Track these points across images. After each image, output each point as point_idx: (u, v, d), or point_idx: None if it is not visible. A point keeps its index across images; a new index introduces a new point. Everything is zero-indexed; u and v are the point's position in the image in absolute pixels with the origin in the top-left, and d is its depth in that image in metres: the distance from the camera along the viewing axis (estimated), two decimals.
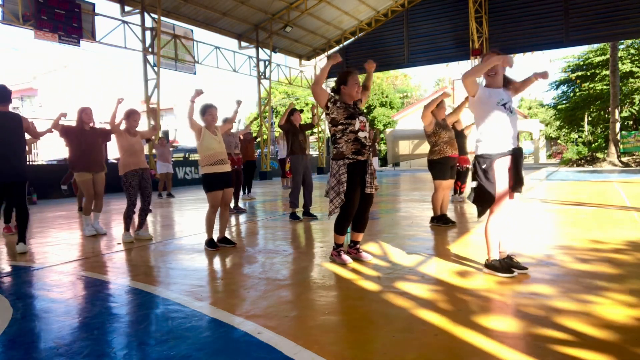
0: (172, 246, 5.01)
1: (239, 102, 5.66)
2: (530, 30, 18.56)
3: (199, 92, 4.58)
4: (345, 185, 3.71)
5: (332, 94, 3.91)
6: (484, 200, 3.33)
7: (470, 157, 9.93)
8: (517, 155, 3.28)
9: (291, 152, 6.78)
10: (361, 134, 3.76)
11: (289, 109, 7.09)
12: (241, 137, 8.77)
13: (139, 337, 2.44)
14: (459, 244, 4.60)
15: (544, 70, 3.45)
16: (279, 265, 3.94)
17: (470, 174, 3.49)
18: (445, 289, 3.07)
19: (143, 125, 6.07)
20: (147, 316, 2.78)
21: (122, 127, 5.37)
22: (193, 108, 4.56)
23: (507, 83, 3.44)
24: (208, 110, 4.72)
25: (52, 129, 5.71)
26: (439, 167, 5.62)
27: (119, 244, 5.22)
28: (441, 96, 5.58)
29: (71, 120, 6.04)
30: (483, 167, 3.28)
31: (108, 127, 5.58)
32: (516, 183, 3.29)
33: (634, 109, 26.63)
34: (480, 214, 3.43)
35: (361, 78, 3.92)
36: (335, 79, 3.98)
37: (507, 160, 3.28)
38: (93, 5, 13.29)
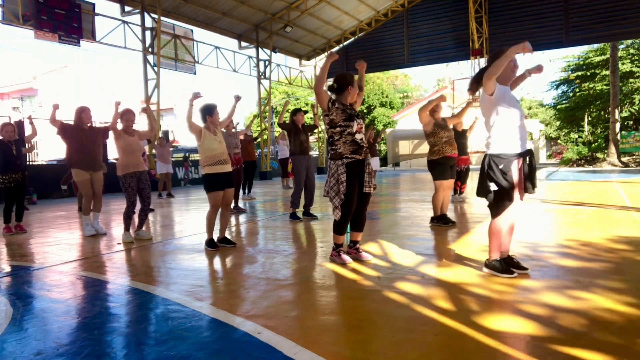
0: (172, 246, 5.01)
1: (237, 98, 5.57)
2: (530, 30, 18.54)
3: (196, 95, 4.58)
4: (345, 185, 3.72)
5: (330, 94, 3.91)
6: (502, 201, 3.24)
7: (472, 157, 9.95)
8: (530, 156, 3.23)
9: (293, 153, 6.78)
10: (358, 136, 3.79)
11: (285, 106, 7.16)
12: (241, 137, 8.77)
13: (139, 337, 2.44)
14: (459, 244, 4.60)
15: (537, 64, 3.38)
16: (279, 265, 3.94)
17: (479, 173, 3.40)
18: (445, 289, 3.07)
19: (142, 125, 6.08)
20: (147, 316, 2.78)
21: (119, 127, 5.38)
22: (191, 111, 4.57)
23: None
24: (216, 110, 4.74)
25: (51, 123, 5.71)
26: (439, 167, 5.61)
27: (119, 244, 5.22)
28: (438, 99, 5.54)
29: (69, 120, 6.04)
30: (500, 167, 3.20)
31: (108, 126, 5.59)
32: (529, 184, 3.26)
33: (634, 109, 26.62)
34: (495, 215, 3.31)
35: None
36: (332, 79, 3.97)
37: (519, 161, 3.24)
38: (93, 5, 13.28)
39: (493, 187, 3.24)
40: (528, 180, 3.25)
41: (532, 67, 3.42)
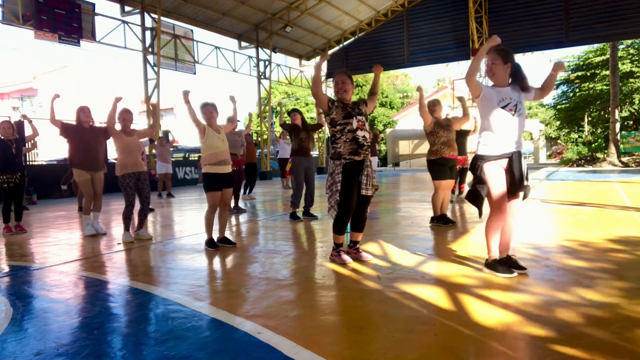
0: (172, 246, 5.01)
1: (233, 99, 5.56)
2: (530, 30, 18.56)
3: (186, 93, 4.60)
4: (340, 185, 3.73)
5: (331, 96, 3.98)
6: (475, 198, 3.42)
7: (470, 157, 9.94)
8: (512, 159, 3.23)
9: (293, 152, 6.80)
10: (359, 133, 3.78)
11: (282, 109, 7.43)
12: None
13: (139, 337, 2.44)
14: (459, 244, 4.60)
15: (557, 63, 3.37)
16: (279, 265, 3.94)
17: (469, 173, 3.54)
18: (445, 289, 3.07)
19: (142, 124, 6.07)
20: (147, 316, 2.78)
21: (117, 127, 5.37)
22: (191, 108, 4.58)
23: (520, 81, 3.30)
24: (203, 109, 4.75)
25: (51, 123, 5.71)
26: (438, 167, 5.61)
27: (119, 244, 5.22)
28: (419, 93, 5.42)
29: (70, 120, 6.04)
30: (476, 167, 3.34)
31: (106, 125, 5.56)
32: (512, 187, 3.27)
33: (634, 109, 26.63)
34: (480, 213, 3.49)
35: (358, 78, 3.94)
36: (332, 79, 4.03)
37: (503, 162, 3.27)
38: (93, 5, 13.29)
39: (475, 185, 3.42)
40: (511, 183, 3.26)
41: (554, 66, 3.37)
